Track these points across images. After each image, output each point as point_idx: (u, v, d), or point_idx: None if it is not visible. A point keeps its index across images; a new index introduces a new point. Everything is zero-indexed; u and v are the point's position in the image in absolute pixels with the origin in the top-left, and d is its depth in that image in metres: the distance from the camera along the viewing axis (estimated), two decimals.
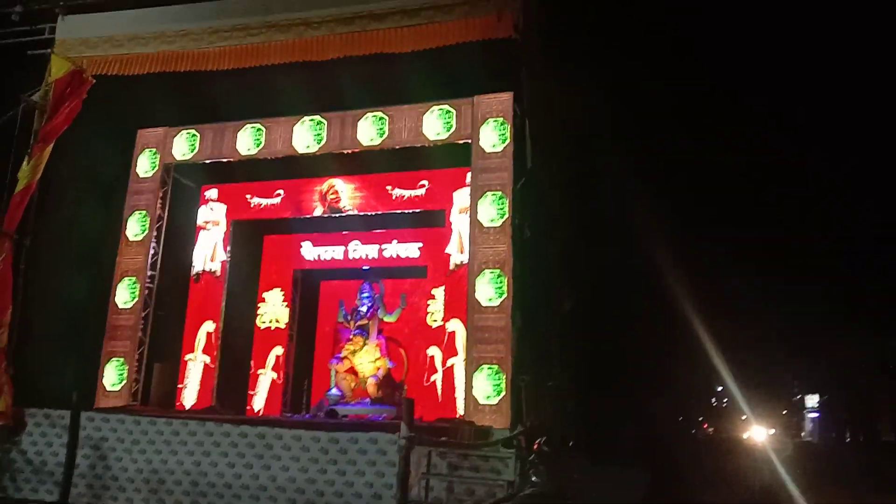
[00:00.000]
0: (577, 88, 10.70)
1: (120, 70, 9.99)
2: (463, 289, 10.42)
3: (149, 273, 12.29)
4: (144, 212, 12.38)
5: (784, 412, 54.20)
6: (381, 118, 11.39)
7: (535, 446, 7.06)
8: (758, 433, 42.76)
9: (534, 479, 6.92)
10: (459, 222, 11.16)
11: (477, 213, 10.35)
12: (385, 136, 11.35)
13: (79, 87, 9.86)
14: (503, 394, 9.47)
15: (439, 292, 12.20)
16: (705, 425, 44.20)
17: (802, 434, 50.11)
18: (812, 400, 49.99)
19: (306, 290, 16.33)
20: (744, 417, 46.57)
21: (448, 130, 10.93)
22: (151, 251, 12.33)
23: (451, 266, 11.44)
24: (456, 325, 10.99)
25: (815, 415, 49.97)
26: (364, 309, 11.22)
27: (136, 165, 12.46)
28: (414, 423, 4.42)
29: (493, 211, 10.25)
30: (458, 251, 11.15)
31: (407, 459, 4.01)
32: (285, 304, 15.79)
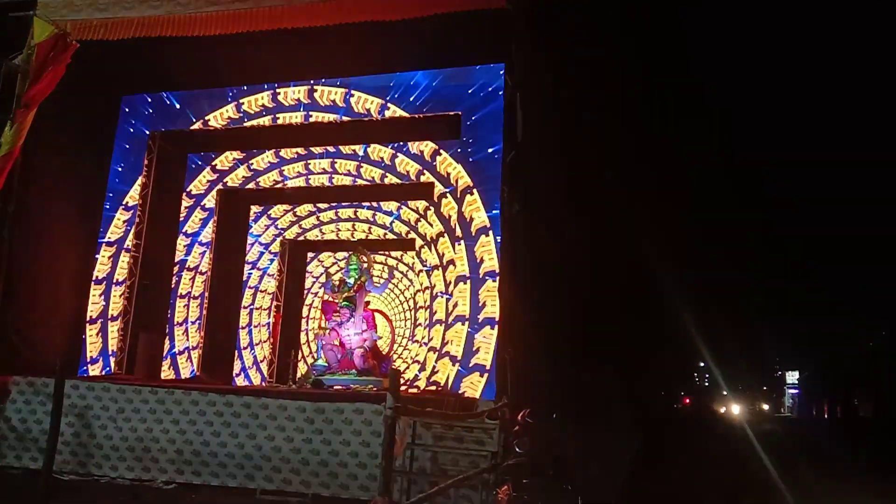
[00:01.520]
0: (571, 60, 10.61)
1: (104, 35, 9.76)
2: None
3: (134, 241, 12.22)
4: (129, 179, 12.31)
5: (764, 388, 55.08)
6: (369, 88, 11.34)
7: (520, 417, 7.13)
8: (733, 409, 44.00)
9: (517, 449, 7.00)
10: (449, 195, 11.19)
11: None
12: (373, 106, 11.32)
13: (62, 52, 9.65)
14: (489, 366, 9.59)
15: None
16: (686, 400, 44.90)
17: (783, 410, 50.99)
18: (792, 376, 50.81)
19: (293, 260, 16.39)
20: (724, 393, 47.39)
21: (438, 101, 10.92)
22: (136, 219, 12.25)
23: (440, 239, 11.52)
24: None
25: (795, 391, 50.79)
26: (351, 281, 11.18)
27: (119, 132, 12.32)
28: (399, 393, 4.44)
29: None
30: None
31: (392, 429, 4.03)
32: (273, 274, 15.87)
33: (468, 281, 10.33)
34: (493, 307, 9.82)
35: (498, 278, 9.77)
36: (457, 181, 11.00)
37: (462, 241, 10.56)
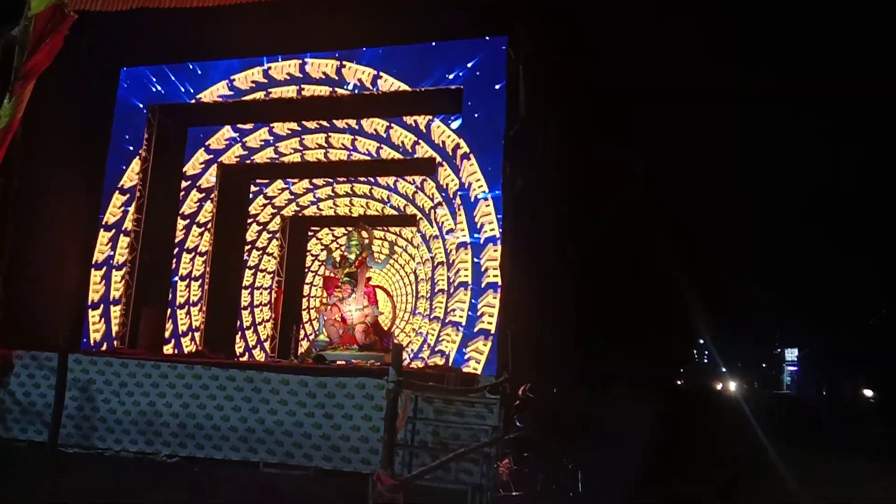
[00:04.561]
0: (576, 34, 10.47)
1: (103, 6, 9.65)
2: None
3: (135, 216, 12.20)
4: (129, 153, 12.26)
5: (763, 366, 55.33)
6: (370, 61, 11.25)
7: (521, 392, 7.15)
8: (731, 386, 44.64)
9: (518, 424, 7.03)
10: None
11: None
12: (375, 80, 11.22)
13: (60, 23, 9.51)
14: (493, 330, 9.61)
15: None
16: (683, 380, 45.16)
17: (784, 388, 51.25)
18: (791, 353, 50.98)
19: (294, 236, 16.39)
20: (724, 370, 47.71)
21: (440, 75, 10.83)
22: (137, 194, 12.22)
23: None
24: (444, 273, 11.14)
25: (794, 368, 50.98)
26: (352, 256, 11.16)
27: (119, 105, 12.24)
28: (402, 368, 4.45)
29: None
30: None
31: (395, 403, 4.04)
32: (274, 249, 15.87)
33: (469, 247, 10.35)
34: (495, 273, 9.84)
35: (500, 246, 9.79)
36: (454, 149, 10.95)
37: (462, 209, 10.55)
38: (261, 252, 15.45)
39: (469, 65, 10.68)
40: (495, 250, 10.00)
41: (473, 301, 10.12)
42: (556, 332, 9.64)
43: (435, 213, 11.82)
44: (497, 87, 10.33)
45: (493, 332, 9.73)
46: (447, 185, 11.07)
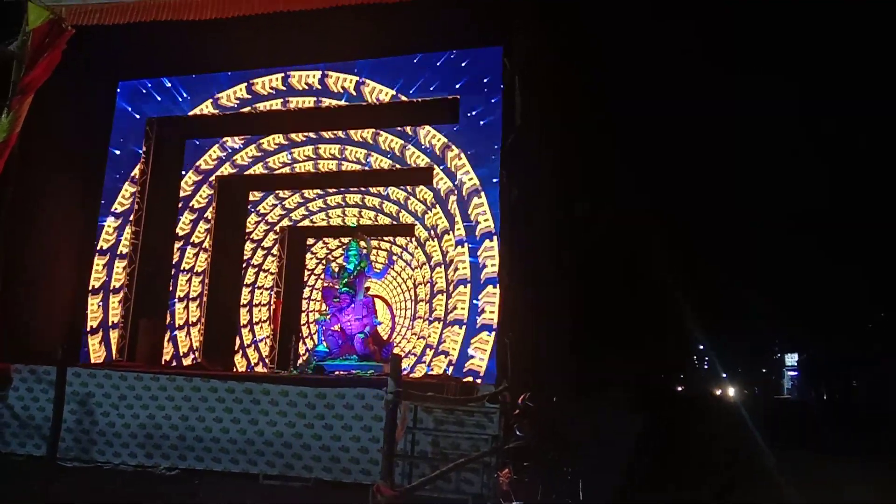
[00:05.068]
0: (571, 42, 10.54)
1: (100, 20, 9.69)
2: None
3: (133, 229, 12.20)
4: (127, 165, 12.28)
5: (763, 371, 55.28)
6: (366, 71, 11.31)
7: (520, 401, 7.15)
8: (729, 391, 44.83)
9: (518, 433, 7.02)
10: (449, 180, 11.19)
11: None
12: (370, 90, 11.28)
13: (58, 38, 9.57)
14: (496, 324, 9.62)
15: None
16: (678, 388, 45.28)
17: (785, 393, 51.14)
18: (791, 358, 50.94)
19: (293, 246, 16.39)
20: (724, 376, 47.78)
21: (436, 85, 10.88)
22: (136, 206, 12.23)
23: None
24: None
25: (794, 373, 50.92)
26: (351, 267, 11.17)
27: (117, 118, 12.27)
28: (401, 378, 4.45)
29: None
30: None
31: (394, 414, 4.04)
32: (273, 261, 15.86)
33: (465, 243, 10.41)
34: (493, 267, 9.90)
35: (496, 241, 9.85)
36: (443, 150, 11.01)
37: (455, 206, 10.64)
38: (257, 269, 15.42)
39: (465, 74, 10.73)
40: (491, 244, 10.07)
41: (474, 296, 10.16)
42: (556, 340, 9.66)
43: (429, 213, 11.88)
44: (493, 96, 10.39)
45: (495, 325, 9.72)
46: (439, 186, 11.13)
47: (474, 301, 10.16)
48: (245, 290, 14.98)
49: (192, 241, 13.47)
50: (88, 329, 11.71)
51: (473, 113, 10.70)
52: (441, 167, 11.20)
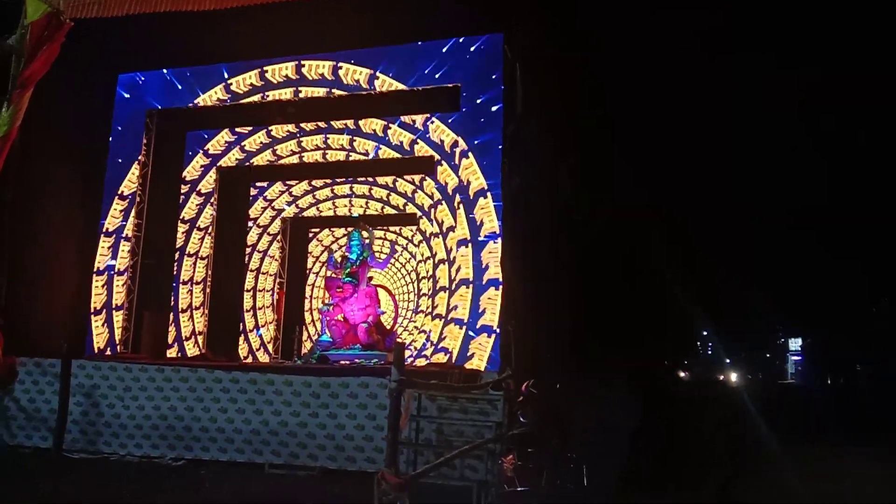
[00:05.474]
0: (572, 31, 10.49)
1: (98, 12, 9.66)
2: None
3: (135, 221, 12.21)
4: (128, 158, 12.28)
5: (767, 356, 55.35)
6: (368, 61, 11.26)
7: (524, 388, 7.17)
8: (732, 377, 45.00)
9: (522, 420, 7.05)
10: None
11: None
12: (372, 79, 11.23)
13: (56, 31, 9.54)
14: (496, 326, 9.62)
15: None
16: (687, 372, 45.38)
17: (789, 378, 51.20)
18: (795, 343, 50.98)
19: (296, 236, 16.41)
20: (728, 361, 47.87)
21: (437, 73, 10.83)
22: (137, 199, 12.23)
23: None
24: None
25: (798, 358, 50.97)
26: (354, 256, 11.17)
27: (117, 111, 12.26)
28: (404, 367, 4.47)
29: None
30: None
31: (398, 402, 4.06)
32: (278, 247, 15.86)
33: (469, 244, 10.35)
34: (496, 269, 9.82)
35: (500, 242, 9.78)
36: (452, 147, 10.95)
37: (461, 206, 10.54)
38: (262, 255, 15.45)
39: (466, 62, 10.65)
40: (495, 245, 10.00)
41: (475, 297, 10.12)
42: (559, 327, 9.68)
43: (435, 210, 11.81)
44: (494, 85, 10.32)
45: (495, 327, 9.73)
46: (446, 182, 11.06)
47: (475, 297, 10.11)
48: (249, 275, 15.00)
49: (198, 224, 13.48)
50: (92, 310, 11.73)
51: (476, 105, 10.61)
52: (448, 163, 11.09)
